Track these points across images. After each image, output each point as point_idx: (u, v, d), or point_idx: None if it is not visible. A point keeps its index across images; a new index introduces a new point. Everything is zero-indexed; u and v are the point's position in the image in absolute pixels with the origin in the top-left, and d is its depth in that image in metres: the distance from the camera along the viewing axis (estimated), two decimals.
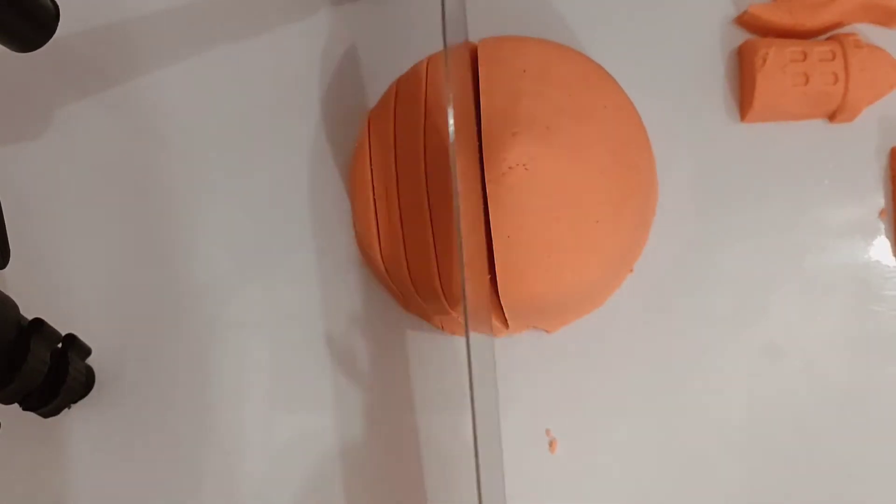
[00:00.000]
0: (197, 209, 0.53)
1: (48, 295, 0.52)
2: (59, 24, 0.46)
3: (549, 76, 0.46)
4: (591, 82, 0.48)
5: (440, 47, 0.49)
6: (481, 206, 0.44)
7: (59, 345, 0.48)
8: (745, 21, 0.53)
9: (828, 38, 0.52)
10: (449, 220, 0.45)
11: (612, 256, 0.47)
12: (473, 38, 0.49)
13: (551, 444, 0.49)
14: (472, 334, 0.41)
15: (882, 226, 0.51)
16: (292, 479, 0.50)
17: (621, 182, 0.46)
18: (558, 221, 0.44)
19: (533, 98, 0.46)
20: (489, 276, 0.45)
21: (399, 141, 0.47)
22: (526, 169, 0.44)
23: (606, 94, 0.48)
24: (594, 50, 0.52)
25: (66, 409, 0.51)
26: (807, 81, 0.50)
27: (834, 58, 0.50)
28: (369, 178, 0.47)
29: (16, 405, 0.47)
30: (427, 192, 0.46)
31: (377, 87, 0.49)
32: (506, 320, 0.47)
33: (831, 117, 0.52)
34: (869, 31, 0.53)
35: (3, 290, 0.45)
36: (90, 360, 0.51)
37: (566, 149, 0.45)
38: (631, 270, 0.50)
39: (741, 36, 0.53)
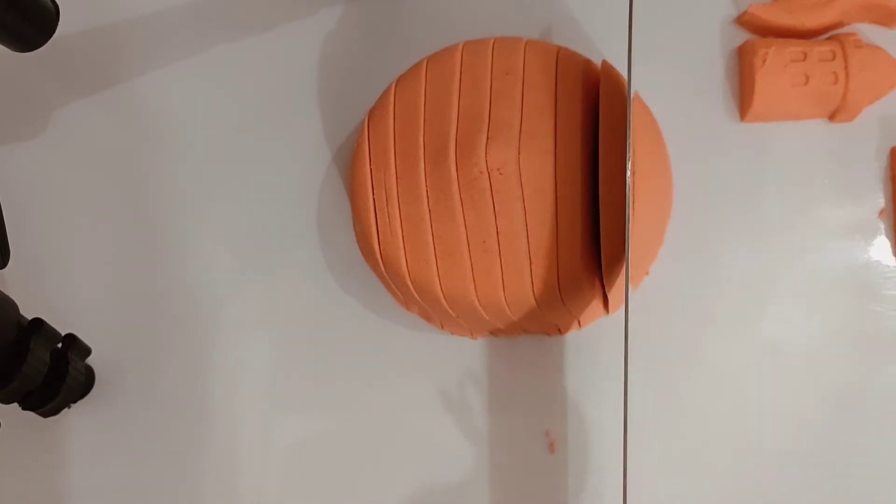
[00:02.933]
0: (197, 209, 0.53)
1: (48, 295, 0.52)
2: (59, 24, 0.46)
3: (535, 79, 0.46)
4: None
5: (439, 47, 0.49)
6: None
7: (59, 345, 0.48)
8: (745, 21, 0.53)
9: (828, 38, 0.52)
10: (448, 220, 0.45)
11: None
12: (466, 38, 0.49)
13: (551, 444, 0.49)
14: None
15: (882, 226, 0.51)
16: (291, 478, 0.50)
17: (636, 185, 0.46)
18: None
19: (507, 101, 0.46)
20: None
21: (398, 141, 0.47)
22: (500, 174, 0.44)
23: None
24: (593, 49, 0.52)
25: (66, 409, 0.51)
26: (807, 81, 0.50)
27: (834, 58, 0.50)
28: (369, 178, 0.47)
29: (16, 405, 0.47)
30: (426, 192, 0.46)
31: (377, 87, 0.49)
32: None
33: (831, 117, 0.52)
34: (869, 31, 0.52)
35: (3, 290, 0.45)
36: (90, 360, 0.51)
37: (550, 153, 0.45)
38: (647, 273, 0.50)
39: (741, 36, 0.53)
